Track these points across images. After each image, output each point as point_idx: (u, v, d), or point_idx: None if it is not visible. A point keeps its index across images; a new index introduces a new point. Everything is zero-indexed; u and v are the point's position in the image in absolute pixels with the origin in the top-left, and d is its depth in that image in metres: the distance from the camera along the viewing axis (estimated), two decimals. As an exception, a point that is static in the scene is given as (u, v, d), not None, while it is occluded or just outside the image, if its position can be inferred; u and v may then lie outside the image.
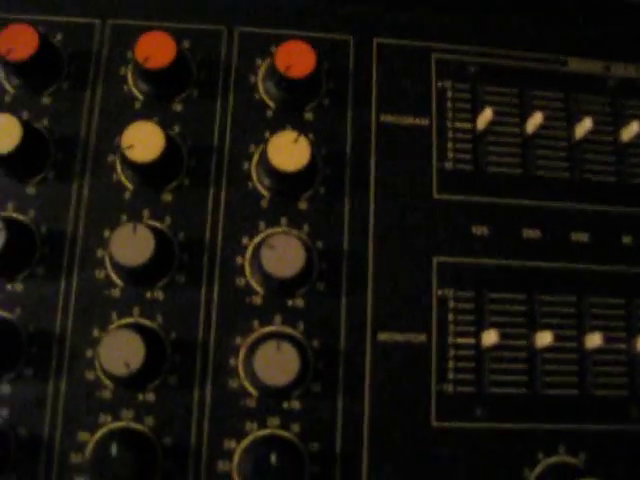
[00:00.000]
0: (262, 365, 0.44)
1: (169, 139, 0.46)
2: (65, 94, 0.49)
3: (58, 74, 0.50)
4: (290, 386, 0.44)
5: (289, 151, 0.46)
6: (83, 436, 0.45)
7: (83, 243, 0.47)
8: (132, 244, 0.45)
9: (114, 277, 0.47)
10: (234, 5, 0.52)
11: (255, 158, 0.49)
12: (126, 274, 0.46)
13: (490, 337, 0.47)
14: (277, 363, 0.44)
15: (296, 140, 0.46)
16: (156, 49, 0.47)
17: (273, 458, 0.43)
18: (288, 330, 0.47)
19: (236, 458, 0.45)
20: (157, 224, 0.47)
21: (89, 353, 0.46)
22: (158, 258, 0.45)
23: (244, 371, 0.46)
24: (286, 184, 0.48)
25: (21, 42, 0.47)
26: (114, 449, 0.43)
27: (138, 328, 0.44)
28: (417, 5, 0.52)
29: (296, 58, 0.48)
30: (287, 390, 0.45)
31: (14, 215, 0.47)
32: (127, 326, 0.45)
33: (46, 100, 0.49)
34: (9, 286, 0.46)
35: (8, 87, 0.49)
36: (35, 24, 0.49)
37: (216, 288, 0.47)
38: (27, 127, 0.46)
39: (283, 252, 0.45)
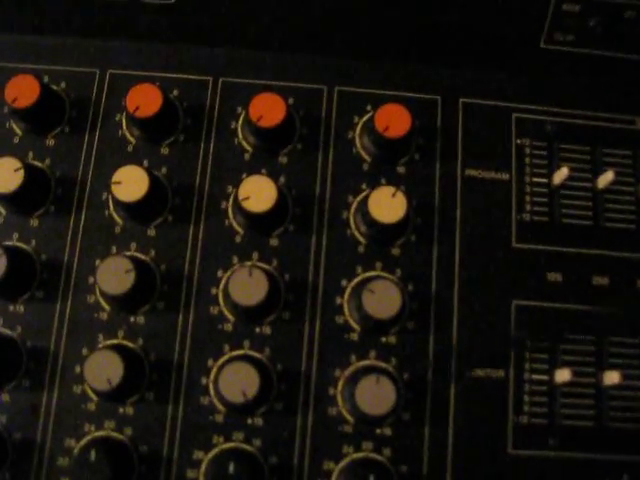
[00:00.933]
0: (363, 396, 0.49)
1: (279, 191, 0.52)
2: (181, 145, 0.55)
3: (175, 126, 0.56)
4: (386, 415, 0.49)
5: (388, 204, 0.51)
6: (199, 455, 0.50)
7: (198, 281, 0.53)
8: (248, 285, 0.50)
9: (227, 313, 0.52)
10: (334, 66, 0.57)
11: (353, 208, 0.54)
12: (240, 312, 0.51)
13: (563, 375, 0.52)
14: (376, 395, 0.49)
15: (394, 195, 0.51)
16: (268, 109, 0.53)
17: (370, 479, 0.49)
18: (382, 365, 0.52)
19: (334, 478, 0.50)
20: (266, 266, 0.53)
21: (204, 381, 0.51)
22: (269, 298, 0.50)
23: (342, 400, 0.51)
24: (383, 233, 0.53)
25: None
26: (231, 467, 0.48)
27: (251, 360, 0.50)
28: (499, 68, 0.58)
29: (393, 120, 0.53)
30: (383, 419, 0.50)
31: (137, 255, 0.53)
32: (241, 358, 0.50)
33: (164, 151, 0.55)
34: (132, 319, 0.52)
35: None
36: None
37: (318, 325, 0.52)
38: (152, 177, 0.52)
39: (382, 296, 0.50)
